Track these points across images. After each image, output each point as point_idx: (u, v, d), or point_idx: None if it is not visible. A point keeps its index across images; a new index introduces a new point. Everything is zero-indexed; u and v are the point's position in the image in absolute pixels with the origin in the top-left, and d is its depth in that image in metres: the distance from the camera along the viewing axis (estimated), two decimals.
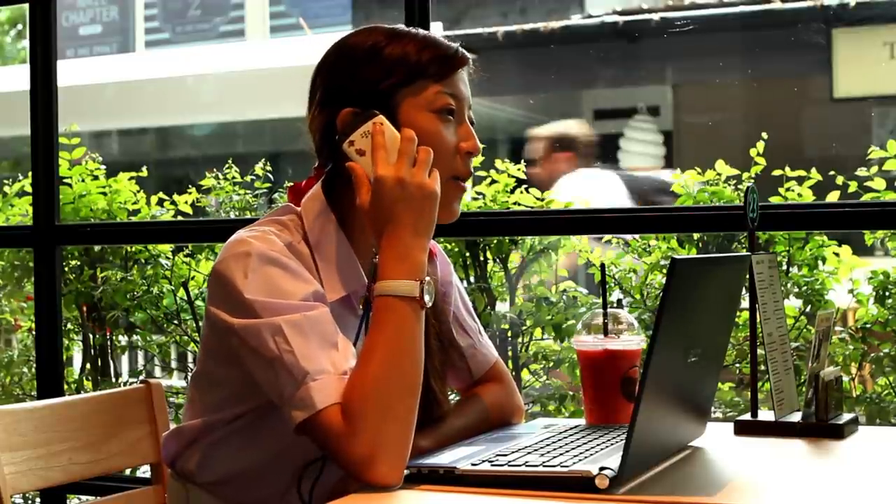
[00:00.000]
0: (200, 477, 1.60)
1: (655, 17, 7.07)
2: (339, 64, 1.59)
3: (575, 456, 1.41)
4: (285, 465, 1.56)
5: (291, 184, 1.67)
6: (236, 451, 1.57)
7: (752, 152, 2.99)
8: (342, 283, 1.55)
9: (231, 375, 1.52)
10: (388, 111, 1.53)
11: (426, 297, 1.44)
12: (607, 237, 3.20)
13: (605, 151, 8.21)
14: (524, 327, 3.17)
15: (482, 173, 3.17)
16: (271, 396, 1.45)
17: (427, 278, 1.45)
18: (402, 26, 1.61)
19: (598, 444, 1.50)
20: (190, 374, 3.76)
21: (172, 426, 1.70)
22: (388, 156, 1.47)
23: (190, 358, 3.78)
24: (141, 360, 4.20)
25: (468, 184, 1.62)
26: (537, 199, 3.13)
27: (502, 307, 3.20)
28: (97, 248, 3.61)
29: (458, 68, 1.59)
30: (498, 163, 3.18)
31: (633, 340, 1.72)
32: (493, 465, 1.38)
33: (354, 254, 1.57)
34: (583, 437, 1.57)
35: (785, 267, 2.91)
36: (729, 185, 3.02)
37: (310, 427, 1.40)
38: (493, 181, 3.17)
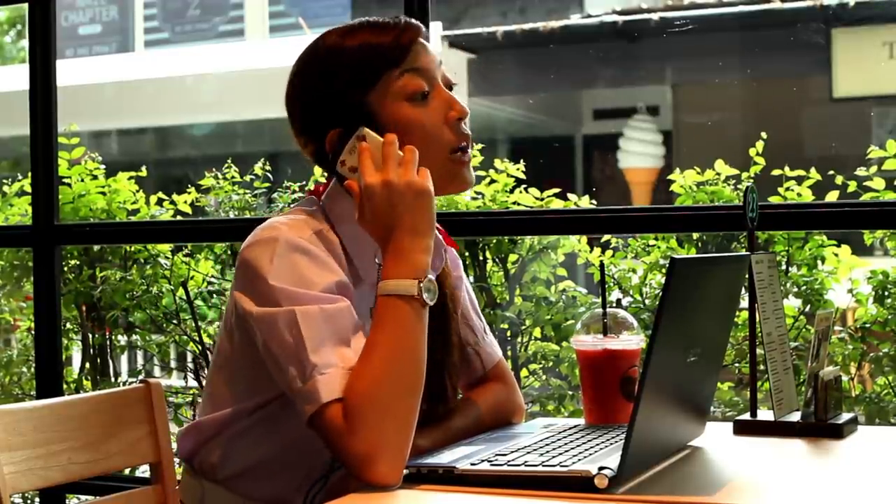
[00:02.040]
0: (222, 471, 1.59)
1: (655, 16, 7.08)
2: (305, 94, 1.59)
3: (574, 456, 1.41)
4: (305, 457, 1.55)
5: (312, 187, 1.66)
6: (259, 442, 1.56)
7: (752, 152, 2.99)
8: (373, 269, 1.55)
9: (255, 363, 1.51)
10: (368, 118, 1.53)
11: (426, 296, 1.43)
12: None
13: (606, 151, 8.22)
14: (523, 327, 3.17)
15: (482, 173, 3.17)
16: (283, 388, 1.45)
17: (430, 276, 1.45)
18: (339, 26, 1.62)
19: (597, 444, 1.50)
20: (189, 373, 3.76)
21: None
22: (373, 164, 1.47)
23: (189, 358, 3.77)
24: (140, 360, 4.21)
25: (473, 151, 1.59)
26: (537, 198, 3.13)
27: (501, 307, 3.20)
28: (96, 247, 3.61)
29: (414, 42, 1.57)
30: (497, 163, 3.18)
31: (632, 340, 1.72)
32: (492, 465, 1.38)
33: None
34: (582, 436, 1.56)
35: (784, 267, 2.91)
36: (728, 184, 3.02)
37: (316, 422, 1.41)
38: (493, 181, 3.16)
